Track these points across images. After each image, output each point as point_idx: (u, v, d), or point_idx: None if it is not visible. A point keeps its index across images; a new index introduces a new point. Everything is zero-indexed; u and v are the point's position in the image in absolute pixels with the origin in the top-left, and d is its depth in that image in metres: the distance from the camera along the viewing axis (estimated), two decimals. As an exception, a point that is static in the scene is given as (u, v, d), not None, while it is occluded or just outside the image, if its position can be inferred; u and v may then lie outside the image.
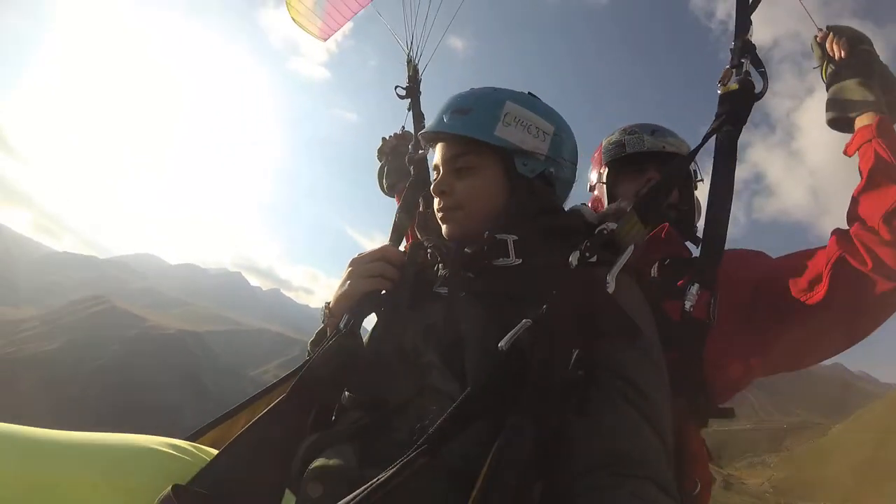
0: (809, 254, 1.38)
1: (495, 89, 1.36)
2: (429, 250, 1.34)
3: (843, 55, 1.46)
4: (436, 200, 1.35)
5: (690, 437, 1.20)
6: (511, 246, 1.21)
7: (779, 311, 1.37)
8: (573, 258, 1.12)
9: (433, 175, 1.40)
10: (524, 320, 0.96)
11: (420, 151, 1.98)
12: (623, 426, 0.92)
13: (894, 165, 1.26)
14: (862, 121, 1.37)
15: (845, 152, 1.40)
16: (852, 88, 1.41)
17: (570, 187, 1.42)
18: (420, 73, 2.34)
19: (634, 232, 1.16)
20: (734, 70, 1.40)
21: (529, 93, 1.39)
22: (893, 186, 1.24)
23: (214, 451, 1.13)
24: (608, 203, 1.90)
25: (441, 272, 1.29)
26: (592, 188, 2.05)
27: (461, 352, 1.08)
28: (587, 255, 1.12)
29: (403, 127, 2.45)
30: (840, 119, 1.43)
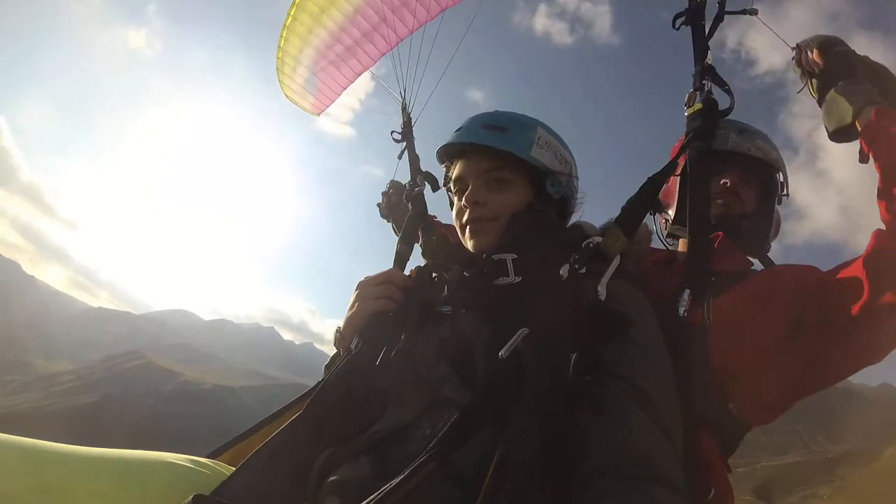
0: (853, 260, 1.37)
1: (524, 115, 1.46)
2: (434, 273, 1.41)
3: (820, 65, 1.50)
4: (464, 213, 1.40)
5: (701, 442, 1.18)
6: (510, 265, 1.28)
7: (825, 319, 1.36)
8: (563, 270, 1.19)
9: (455, 186, 1.47)
10: (521, 329, 1.02)
11: (416, 188, 2.11)
12: (630, 428, 0.93)
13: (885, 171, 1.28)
14: (862, 120, 1.37)
15: (861, 160, 1.38)
16: (841, 93, 1.42)
17: (573, 213, 1.53)
18: (414, 121, 2.50)
19: (619, 244, 1.22)
20: (697, 92, 1.48)
21: None
22: (889, 190, 1.25)
23: (232, 468, 1.16)
24: (678, 197, 1.78)
25: (445, 293, 1.34)
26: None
27: (472, 363, 1.13)
28: (576, 266, 1.19)
29: (392, 180, 2.64)
30: (840, 129, 1.43)
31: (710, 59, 1.50)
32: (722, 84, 1.47)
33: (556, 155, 1.42)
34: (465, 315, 1.25)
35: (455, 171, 1.45)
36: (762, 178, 1.75)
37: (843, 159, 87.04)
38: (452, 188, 1.48)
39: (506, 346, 1.01)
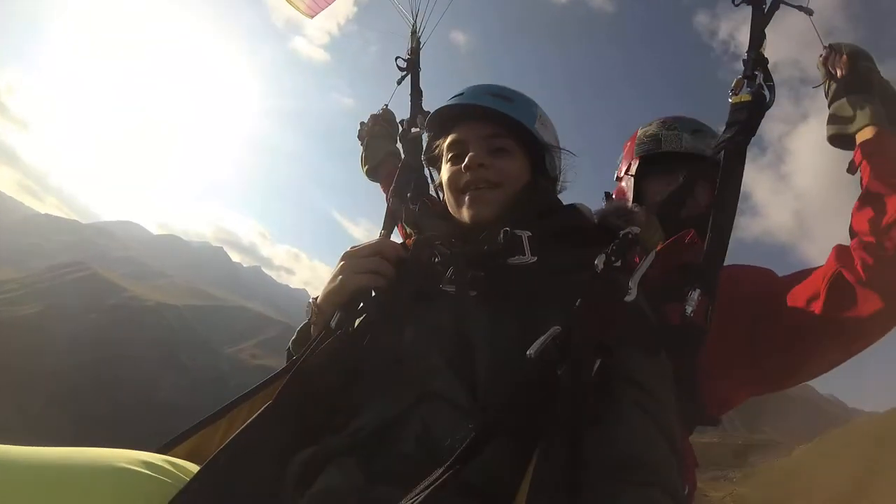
0: (810, 271, 1.39)
1: (522, 93, 1.40)
2: (435, 247, 1.26)
3: (843, 72, 1.45)
4: (463, 176, 1.29)
5: (684, 442, 1.18)
6: (526, 243, 1.16)
7: (778, 327, 1.37)
8: (599, 261, 1.07)
9: (449, 151, 1.36)
10: (554, 327, 0.92)
11: (415, 129, 1.91)
12: (636, 434, 0.89)
13: (886, 182, 1.27)
14: (862, 136, 1.37)
15: (848, 170, 1.39)
16: (852, 104, 1.40)
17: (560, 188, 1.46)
18: (422, 46, 2.26)
19: (656, 238, 1.17)
20: (746, 80, 1.41)
21: None
22: (892, 200, 1.24)
23: (191, 466, 1.02)
24: (633, 197, 1.84)
25: (449, 269, 1.20)
26: (619, 178, 1.97)
27: (471, 357, 1.03)
28: (613, 259, 1.08)
29: (386, 105, 2.38)
30: (839, 135, 1.43)
31: (765, 48, 1.45)
32: (769, 79, 1.43)
33: (552, 136, 1.38)
34: (469, 299, 1.13)
35: (451, 137, 1.36)
36: (715, 177, 1.70)
37: (807, 168, 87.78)
38: (445, 155, 1.37)
39: (536, 346, 0.90)
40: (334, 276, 1.25)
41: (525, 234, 1.17)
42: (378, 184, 2.33)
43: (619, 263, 1.07)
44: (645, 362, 1.00)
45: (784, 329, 1.36)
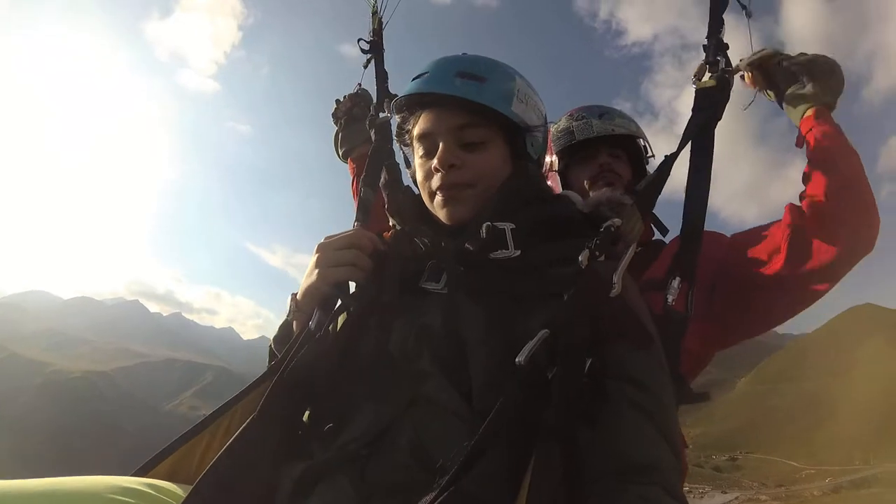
0: (765, 228, 1.48)
1: (499, 62, 1.24)
2: (417, 240, 1.17)
3: (764, 83, 1.56)
4: (435, 176, 1.17)
5: None
6: (510, 236, 1.09)
7: (739, 284, 1.43)
8: (583, 257, 1.00)
9: (418, 143, 1.22)
10: (542, 331, 0.89)
11: (383, 114, 1.82)
12: (634, 433, 0.87)
13: (831, 149, 1.39)
14: (804, 114, 1.48)
15: (797, 144, 1.51)
16: (788, 103, 1.51)
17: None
18: (384, 26, 2.13)
19: (638, 229, 1.14)
20: (708, 66, 1.43)
21: None
22: (832, 167, 1.38)
23: (174, 488, 0.97)
24: (563, 189, 1.87)
25: (429, 264, 1.12)
26: (545, 176, 1.85)
27: (464, 359, 0.98)
28: (597, 253, 1.02)
29: (360, 84, 2.23)
30: (793, 106, 1.50)
31: (723, 33, 1.47)
32: (729, 64, 1.45)
33: (535, 109, 1.23)
34: (460, 297, 1.06)
35: (419, 126, 1.21)
36: (629, 150, 1.86)
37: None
38: (416, 147, 1.24)
39: (525, 352, 0.86)
40: (310, 271, 1.17)
41: (508, 227, 1.09)
42: (347, 165, 2.26)
43: (602, 258, 1.03)
44: (638, 357, 0.96)
45: (749, 286, 1.42)
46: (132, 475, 1.01)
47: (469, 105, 1.14)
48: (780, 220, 1.44)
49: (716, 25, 1.49)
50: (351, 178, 2.17)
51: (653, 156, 1.93)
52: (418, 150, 1.24)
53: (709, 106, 1.38)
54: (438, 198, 1.18)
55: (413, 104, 1.25)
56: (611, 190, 1.38)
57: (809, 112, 1.46)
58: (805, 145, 1.46)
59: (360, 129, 2.11)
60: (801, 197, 1.43)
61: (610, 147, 1.83)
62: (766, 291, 1.42)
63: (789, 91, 1.51)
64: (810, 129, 1.44)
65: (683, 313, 1.20)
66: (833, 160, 1.39)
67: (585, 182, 1.82)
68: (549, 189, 1.29)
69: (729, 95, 1.41)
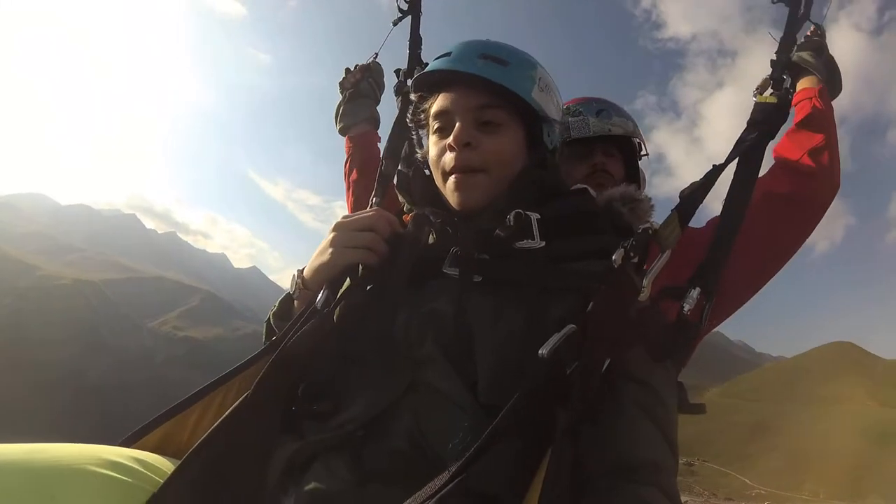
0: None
1: (522, 50, 1.23)
2: (436, 225, 1.16)
3: (816, 40, 1.66)
4: (447, 156, 1.15)
5: None
6: (535, 226, 1.07)
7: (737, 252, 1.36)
8: (618, 256, 0.99)
9: (435, 121, 1.20)
10: (569, 326, 0.88)
11: (410, 82, 1.64)
12: (636, 433, 0.87)
13: (825, 120, 1.54)
14: (807, 82, 1.59)
15: (793, 102, 1.56)
16: (806, 56, 1.61)
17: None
18: None
19: (675, 235, 1.11)
20: (773, 82, 1.45)
21: None
22: (820, 134, 1.52)
23: (161, 462, 0.93)
24: None
25: (452, 250, 1.09)
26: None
27: (470, 347, 0.96)
28: (631, 254, 1.00)
29: (376, 55, 2.12)
30: (798, 65, 1.61)
31: (794, 54, 1.51)
32: (794, 86, 1.51)
33: (554, 102, 1.23)
34: (476, 285, 1.04)
35: (438, 104, 1.19)
36: (624, 149, 1.87)
37: (719, 134, 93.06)
38: (431, 125, 1.22)
39: (549, 345, 0.84)
40: (323, 249, 1.15)
41: (534, 217, 1.08)
42: (343, 139, 2.13)
43: (636, 260, 1.01)
44: (649, 361, 0.96)
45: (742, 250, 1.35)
46: (119, 444, 0.97)
47: (490, 86, 1.12)
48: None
49: (788, 42, 1.50)
50: (346, 156, 2.07)
51: (646, 154, 1.94)
52: (433, 127, 1.21)
53: (765, 122, 1.36)
54: (451, 181, 1.15)
55: (434, 83, 1.22)
56: (626, 185, 1.40)
57: (815, 83, 1.58)
58: (797, 109, 1.58)
59: (364, 105, 2.04)
60: (778, 154, 1.57)
61: (605, 145, 1.83)
62: (760, 250, 1.48)
63: (804, 52, 1.61)
64: (810, 98, 1.56)
65: (697, 323, 1.16)
66: (833, 131, 1.55)
67: (582, 178, 1.79)
68: (566, 183, 1.26)
69: (787, 115, 1.41)
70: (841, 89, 1.69)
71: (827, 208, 1.54)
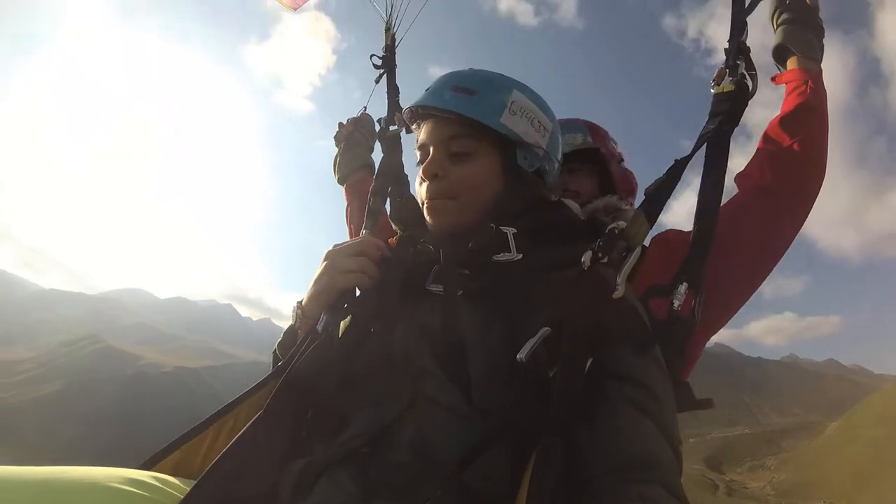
0: (734, 202, 1.48)
1: (500, 74, 1.29)
2: (419, 245, 1.24)
3: (797, 5, 1.58)
4: (423, 185, 1.24)
5: None
6: (511, 240, 1.14)
7: (729, 255, 1.39)
8: (586, 258, 1.05)
9: (418, 155, 1.29)
10: (543, 328, 0.92)
11: (392, 127, 1.88)
12: (633, 431, 0.88)
13: (819, 108, 1.46)
14: (804, 63, 1.51)
15: (773, 80, 1.56)
16: (807, 32, 1.54)
17: (556, 186, 1.37)
18: (397, 43, 2.19)
19: (642, 232, 1.15)
20: (728, 70, 1.42)
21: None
22: (812, 122, 1.45)
23: (177, 482, 0.99)
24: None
25: (434, 268, 1.18)
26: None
27: (463, 358, 1.00)
28: (599, 255, 1.06)
29: (364, 108, 2.29)
30: (783, 51, 1.56)
31: (746, 37, 1.46)
32: (751, 68, 1.44)
33: (532, 122, 1.24)
34: (458, 298, 1.08)
35: (419, 137, 1.29)
36: (590, 161, 1.88)
37: None
38: (416, 156, 1.30)
39: (526, 349, 0.89)
40: (318, 277, 1.22)
41: (510, 231, 1.14)
42: (343, 189, 2.29)
43: (605, 260, 1.07)
44: (638, 358, 0.98)
45: (735, 249, 1.41)
46: (138, 468, 1.01)
47: (460, 117, 1.19)
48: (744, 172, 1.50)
49: (738, 27, 1.48)
50: (345, 203, 2.17)
51: (622, 161, 1.97)
52: (418, 159, 1.29)
53: (725, 111, 1.37)
54: (426, 207, 1.24)
55: (414, 116, 1.31)
56: (609, 196, 1.44)
57: (813, 66, 1.52)
58: (789, 89, 1.52)
59: (358, 154, 2.19)
60: (767, 139, 1.49)
61: (569, 163, 1.81)
62: (755, 245, 1.43)
63: (802, 26, 1.55)
64: (806, 81, 1.49)
65: (690, 318, 1.20)
66: (825, 119, 1.49)
67: (560, 190, 1.76)
68: (545, 198, 1.30)
69: (747, 102, 1.40)
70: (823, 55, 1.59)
71: (815, 197, 1.47)
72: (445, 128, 1.22)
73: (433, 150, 1.23)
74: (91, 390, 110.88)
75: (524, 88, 1.27)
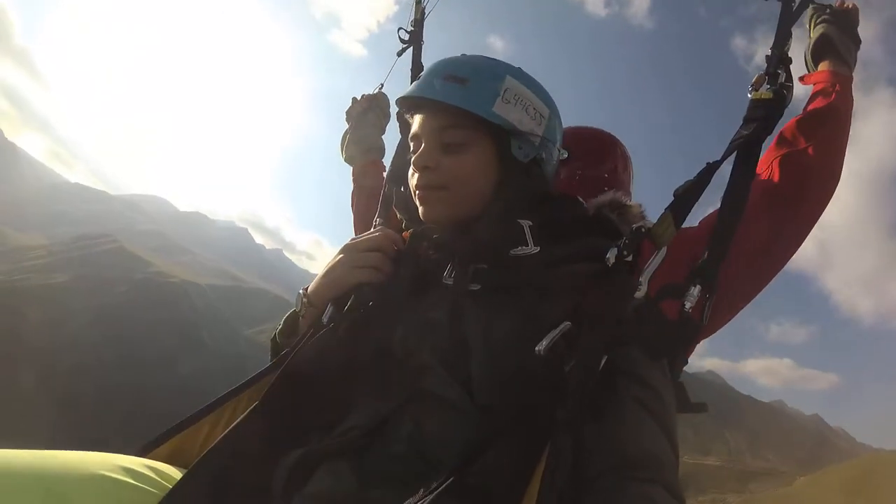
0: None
1: (494, 60, 1.23)
2: (433, 238, 1.22)
3: (839, 12, 1.57)
4: (415, 176, 1.22)
5: None
6: (528, 233, 1.11)
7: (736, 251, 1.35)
8: (611, 255, 1.04)
9: (411, 146, 1.26)
10: (564, 323, 0.91)
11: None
12: (637, 429, 0.88)
13: (844, 114, 1.45)
14: (836, 66, 1.51)
15: (802, 79, 1.52)
16: (844, 36, 1.54)
17: (555, 175, 1.33)
18: (426, 16, 2.06)
19: (668, 233, 1.13)
20: (767, 77, 1.41)
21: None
22: (834, 128, 1.44)
23: (172, 471, 0.99)
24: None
25: (450, 263, 1.15)
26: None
27: (465, 353, 1.00)
28: (625, 253, 1.05)
29: (381, 85, 2.15)
30: (818, 52, 1.56)
31: (789, 47, 1.44)
32: (789, 79, 1.42)
33: (527, 109, 1.19)
34: (467, 293, 1.07)
35: (411, 129, 1.26)
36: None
37: (834, 201, 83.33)
38: (410, 146, 1.28)
39: (545, 342, 0.88)
40: (331, 269, 1.22)
41: (527, 224, 1.12)
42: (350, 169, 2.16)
43: (630, 258, 1.05)
44: (650, 362, 0.98)
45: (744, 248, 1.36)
46: (133, 455, 0.99)
47: (450, 107, 1.15)
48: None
49: (782, 36, 1.46)
50: (352, 184, 2.11)
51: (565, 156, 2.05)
52: (411, 149, 1.27)
53: (760, 118, 1.35)
54: (417, 196, 1.22)
55: (409, 107, 1.29)
56: (613, 192, 1.46)
57: (845, 71, 1.52)
58: (816, 91, 1.51)
59: (370, 134, 2.09)
60: (783, 143, 1.47)
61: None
62: (764, 247, 1.40)
63: (842, 32, 1.55)
64: (835, 86, 1.48)
65: (698, 322, 1.18)
66: (848, 126, 1.47)
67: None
68: (553, 190, 1.31)
69: (783, 111, 1.38)
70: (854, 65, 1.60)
71: (826, 205, 1.46)
72: (437, 118, 1.19)
73: (425, 142, 1.20)
74: (97, 288, 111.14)
75: (519, 74, 1.22)
